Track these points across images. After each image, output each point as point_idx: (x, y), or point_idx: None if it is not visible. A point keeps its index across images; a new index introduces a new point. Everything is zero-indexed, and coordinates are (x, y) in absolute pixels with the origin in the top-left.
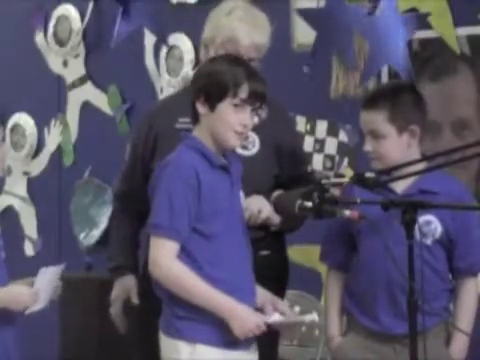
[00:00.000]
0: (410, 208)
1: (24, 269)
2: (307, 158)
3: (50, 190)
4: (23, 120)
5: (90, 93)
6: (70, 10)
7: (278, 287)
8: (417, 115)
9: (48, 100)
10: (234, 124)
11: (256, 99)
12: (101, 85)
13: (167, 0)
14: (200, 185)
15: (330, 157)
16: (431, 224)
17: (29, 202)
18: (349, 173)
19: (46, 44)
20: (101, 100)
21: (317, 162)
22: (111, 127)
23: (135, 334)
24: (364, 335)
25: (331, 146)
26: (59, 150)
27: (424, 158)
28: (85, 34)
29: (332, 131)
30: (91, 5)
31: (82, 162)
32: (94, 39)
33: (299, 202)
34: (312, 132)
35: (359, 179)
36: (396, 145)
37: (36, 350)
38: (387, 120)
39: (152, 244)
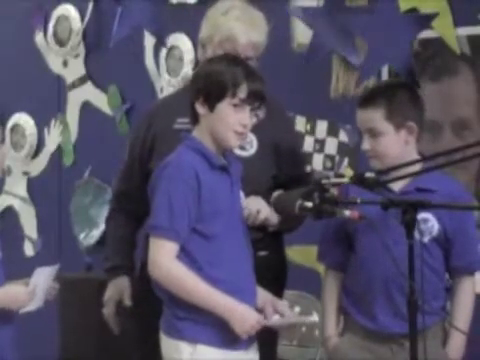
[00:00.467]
0: (410, 208)
1: (24, 269)
2: (306, 158)
3: (50, 190)
4: (23, 120)
5: (90, 93)
6: (70, 10)
7: (276, 288)
8: (414, 112)
9: (48, 100)
10: (234, 124)
11: (255, 99)
12: (101, 85)
13: (167, 0)
14: (200, 186)
15: (330, 157)
16: (428, 222)
17: (29, 202)
18: (349, 173)
19: (46, 44)
20: (101, 100)
21: (317, 162)
22: (111, 127)
23: (134, 334)
24: (361, 335)
25: (331, 146)
26: (59, 150)
27: (424, 158)
28: (85, 34)
29: (332, 131)
30: (91, 5)
31: (82, 162)
32: (94, 39)
33: (299, 202)
34: (312, 132)
35: (359, 179)
36: (394, 142)
37: (36, 350)
38: (384, 117)
39: (152, 245)
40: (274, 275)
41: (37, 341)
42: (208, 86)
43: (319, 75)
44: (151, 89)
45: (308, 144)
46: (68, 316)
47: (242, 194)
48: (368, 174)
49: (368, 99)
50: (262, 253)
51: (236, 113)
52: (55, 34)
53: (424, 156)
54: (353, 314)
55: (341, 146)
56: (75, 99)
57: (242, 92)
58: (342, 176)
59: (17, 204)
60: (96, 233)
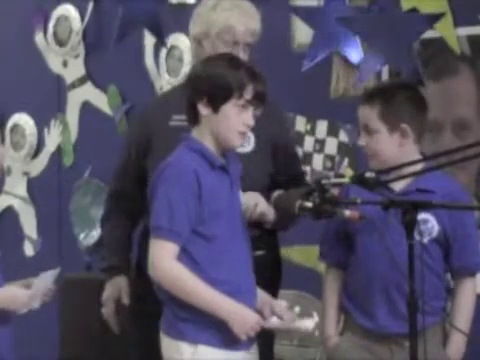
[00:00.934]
0: (411, 208)
1: (24, 269)
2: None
3: (50, 190)
4: (23, 120)
5: (90, 93)
6: (70, 10)
7: (272, 288)
8: (409, 115)
9: (48, 100)
10: (238, 125)
11: (259, 99)
12: (101, 85)
13: (167, 0)
14: (200, 187)
15: (330, 157)
16: (428, 222)
17: (29, 202)
18: (349, 173)
19: (46, 44)
20: (101, 100)
21: (317, 162)
22: (111, 127)
23: (134, 334)
24: (360, 334)
25: (331, 146)
26: (59, 150)
27: (424, 158)
28: (85, 34)
29: (332, 131)
30: (91, 5)
31: (82, 162)
32: (94, 39)
33: (299, 202)
34: (312, 132)
35: (359, 179)
36: (387, 143)
37: (36, 350)
38: (378, 116)
39: (152, 246)
40: (270, 275)
41: (37, 341)
42: (213, 88)
43: (319, 75)
44: (151, 89)
45: (308, 144)
46: (68, 316)
47: (241, 194)
48: (368, 174)
49: (367, 96)
50: (259, 252)
51: (240, 114)
52: (55, 34)
53: (424, 156)
54: (353, 313)
55: (341, 146)
56: (75, 99)
57: (248, 94)
58: (342, 176)
59: (17, 204)
60: (96, 233)
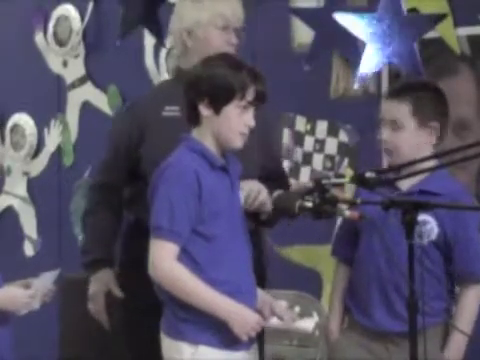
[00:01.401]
0: (411, 208)
1: (24, 269)
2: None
3: (50, 190)
4: (23, 120)
5: (90, 93)
6: (70, 10)
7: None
8: (440, 114)
9: (48, 100)
10: (239, 125)
11: (261, 100)
12: (101, 85)
13: (167, 0)
14: (201, 187)
15: (330, 157)
16: (427, 224)
17: (29, 202)
18: (349, 173)
19: (46, 44)
20: (101, 100)
21: (317, 162)
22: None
23: (134, 335)
24: (359, 332)
25: (331, 146)
26: (59, 150)
27: (424, 158)
28: (85, 34)
29: (332, 131)
30: (91, 5)
31: (82, 162)
32: (94, 39)
33: (299, 202)
34: (312, 132)
35: (359, 179)
36: (412, 139)
37: (36, 350)
38: (409, 112)
39: (152, 246)
40: (258, 273)
41: (37, 341)
42: (214, 89)
43: (319, 75)
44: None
45: (308, 144)
46: (68, 316)
47: (241, 194)
48: (368, 174)
49: (397, 91)
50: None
51: (242, 115)
52: (55, 34)
53: (424, 156)
54: (353, 311)
55: (341, 146)
56: (75, 99)
57: (250, 95)
58: (342, 176)
59: (17, 204)
60: None
